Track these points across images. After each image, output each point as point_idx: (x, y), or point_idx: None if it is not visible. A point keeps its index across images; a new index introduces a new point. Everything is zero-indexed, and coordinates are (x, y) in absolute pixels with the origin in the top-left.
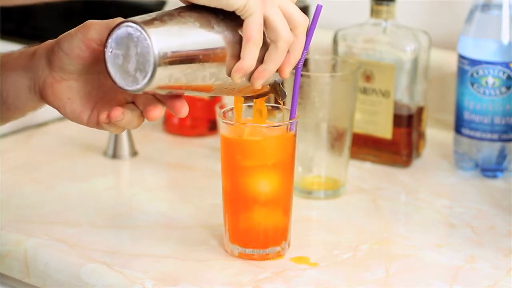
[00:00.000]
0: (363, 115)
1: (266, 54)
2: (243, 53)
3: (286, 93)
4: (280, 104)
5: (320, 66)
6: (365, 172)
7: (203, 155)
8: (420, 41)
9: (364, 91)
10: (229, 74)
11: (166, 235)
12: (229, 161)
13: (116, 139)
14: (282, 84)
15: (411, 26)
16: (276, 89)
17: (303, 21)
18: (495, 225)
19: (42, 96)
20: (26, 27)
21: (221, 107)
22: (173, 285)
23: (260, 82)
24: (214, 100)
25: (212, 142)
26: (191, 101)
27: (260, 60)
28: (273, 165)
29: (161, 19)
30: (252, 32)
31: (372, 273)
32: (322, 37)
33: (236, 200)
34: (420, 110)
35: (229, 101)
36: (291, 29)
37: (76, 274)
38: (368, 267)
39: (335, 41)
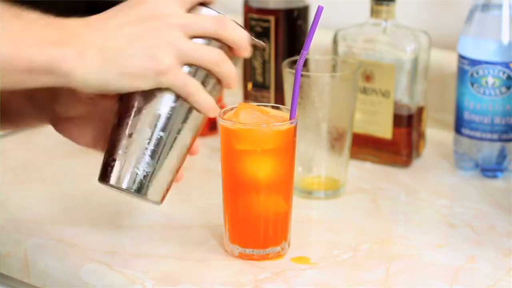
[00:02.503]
0: (363, 115)
1: (216, 74)
2: (198, 107)
3: (263, 42)
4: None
5: (320, 66)
6: (365, 172)
7: (203, 155)
8: (420, 41)
9: (364, 91)
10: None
11: (166, 235)
12: (225, 146)
13: None
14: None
15: (411, 26)
16: (254, 45)
17: (211, 23)
18: (495, 225)
19: (52, 125)
20: None
21: (221, 107)
22: (173, 285)
23: (234, 84)
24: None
25: (212, 142)
26: None
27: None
28: (266, 151)
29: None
30: (185, 93)
31: (372, 273)
32: (322, 37)
33: (235, 186)
34: (420, 110)
35: (229, 100)
36: (215, 30)
37: (76, 274)
38: (368, 267)
39: (335, 41)
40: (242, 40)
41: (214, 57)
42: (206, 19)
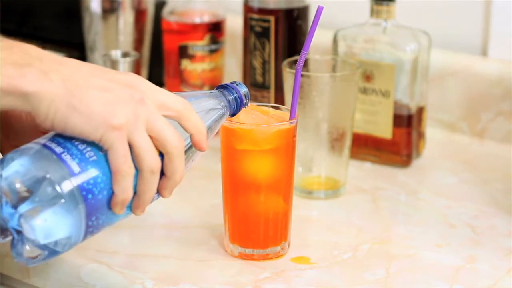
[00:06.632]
0: (363, 115)
1: (137, 183)
2: (113, 187)
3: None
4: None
5: (320, 66)
6: (365, 172)
7: (203, 155)
8: (420, 41)
9: (364, 91)
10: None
11: (166, 235)
12: (225, 146)
13: None
14: None
15: (411, 26)
16: (255, 45)
17: (176, 145)
18: (495, 225)
19: None
20: (26, 27)
21: None
22: (173, 285)
23: (141, 211)
24: None
25: (212, 142)
26: None
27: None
28: (266, 151)
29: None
30: (115, 165)
31: (372, 273)
32: (322, 37)
33: (235, 186)
34: (420, 110)
35: None
36: (165, 153)
37: (76, 274)
38: (368, 267)
39: (335, 41)
40: (200, 134)
41: (151, 161)
42: (176, 101)
